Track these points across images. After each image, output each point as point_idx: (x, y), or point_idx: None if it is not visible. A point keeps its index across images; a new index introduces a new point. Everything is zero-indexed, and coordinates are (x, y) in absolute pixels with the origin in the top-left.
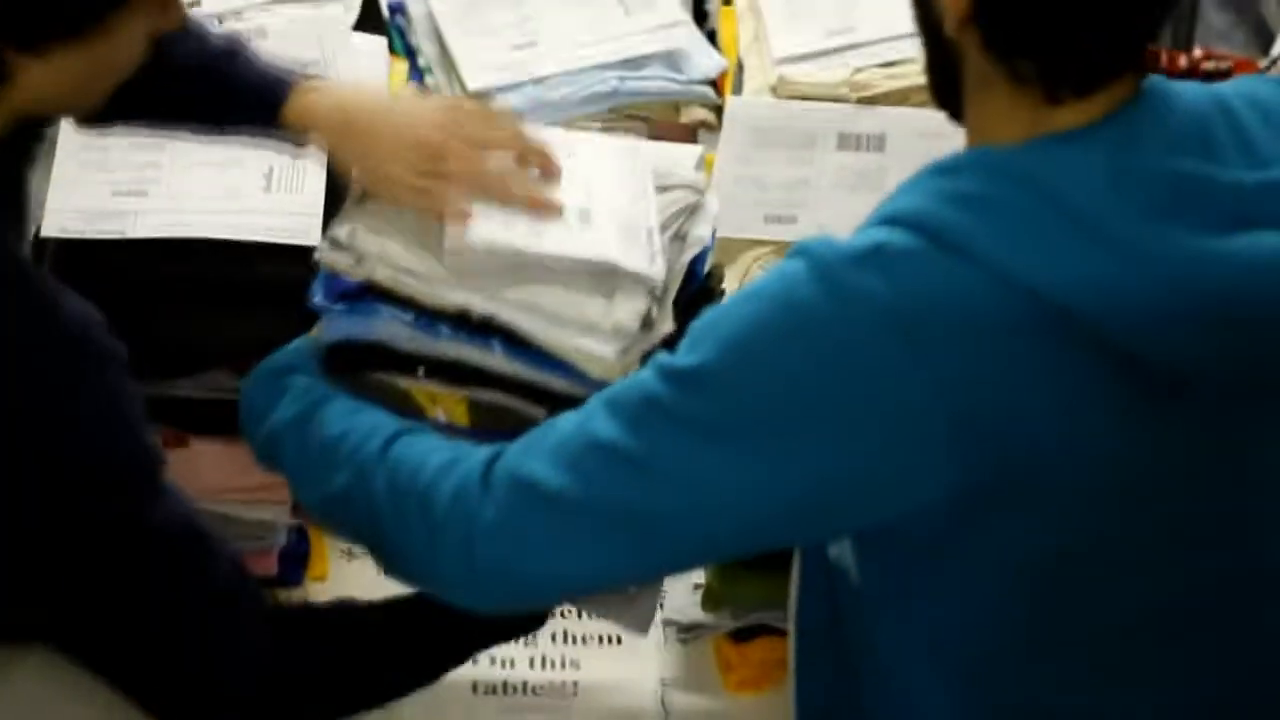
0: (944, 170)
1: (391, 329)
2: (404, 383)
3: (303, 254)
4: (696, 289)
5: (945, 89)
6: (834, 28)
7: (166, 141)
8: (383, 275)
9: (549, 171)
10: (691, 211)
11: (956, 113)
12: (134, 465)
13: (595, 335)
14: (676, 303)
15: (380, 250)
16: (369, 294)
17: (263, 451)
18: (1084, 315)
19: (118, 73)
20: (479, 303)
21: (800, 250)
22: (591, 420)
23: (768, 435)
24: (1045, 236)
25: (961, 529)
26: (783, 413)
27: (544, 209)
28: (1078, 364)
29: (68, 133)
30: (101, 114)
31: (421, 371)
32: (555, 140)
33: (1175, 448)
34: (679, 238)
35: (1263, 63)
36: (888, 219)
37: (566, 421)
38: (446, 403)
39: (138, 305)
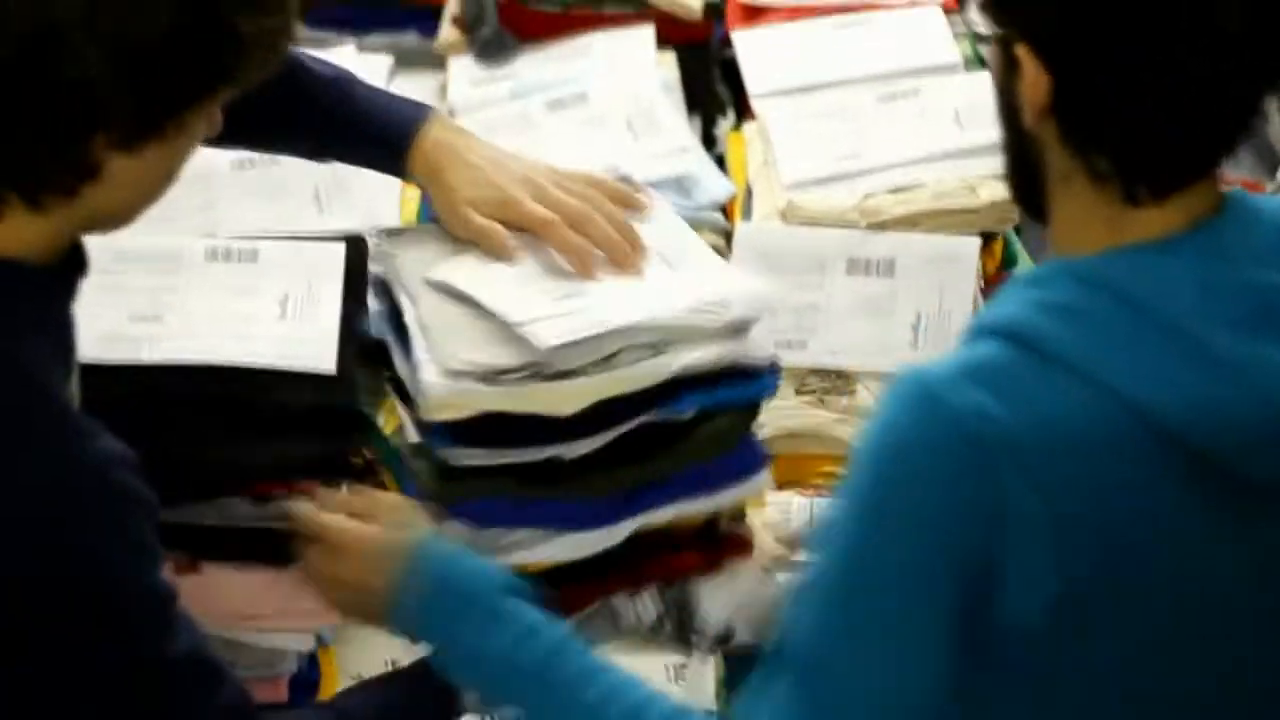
0: (1033, 281)
1: None
2: None
3: (317, 381)
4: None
5: (1025, 186)
6: (843, 153)
7: (182, 266)
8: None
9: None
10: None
11: (1037, 213)
12: (146, 608)
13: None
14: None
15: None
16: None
17: (468, 674)
18: (1178, 427)
19: (175, 177)
20: None
21: (902, 380)
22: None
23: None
24: (1138, 348)
25: (1057, 644)
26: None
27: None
28: (1171, 474)
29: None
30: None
31: None
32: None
33: (1264, 557)
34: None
35: (1269, 186)
36: (984, 330)
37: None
38: None
39: (150, 429)
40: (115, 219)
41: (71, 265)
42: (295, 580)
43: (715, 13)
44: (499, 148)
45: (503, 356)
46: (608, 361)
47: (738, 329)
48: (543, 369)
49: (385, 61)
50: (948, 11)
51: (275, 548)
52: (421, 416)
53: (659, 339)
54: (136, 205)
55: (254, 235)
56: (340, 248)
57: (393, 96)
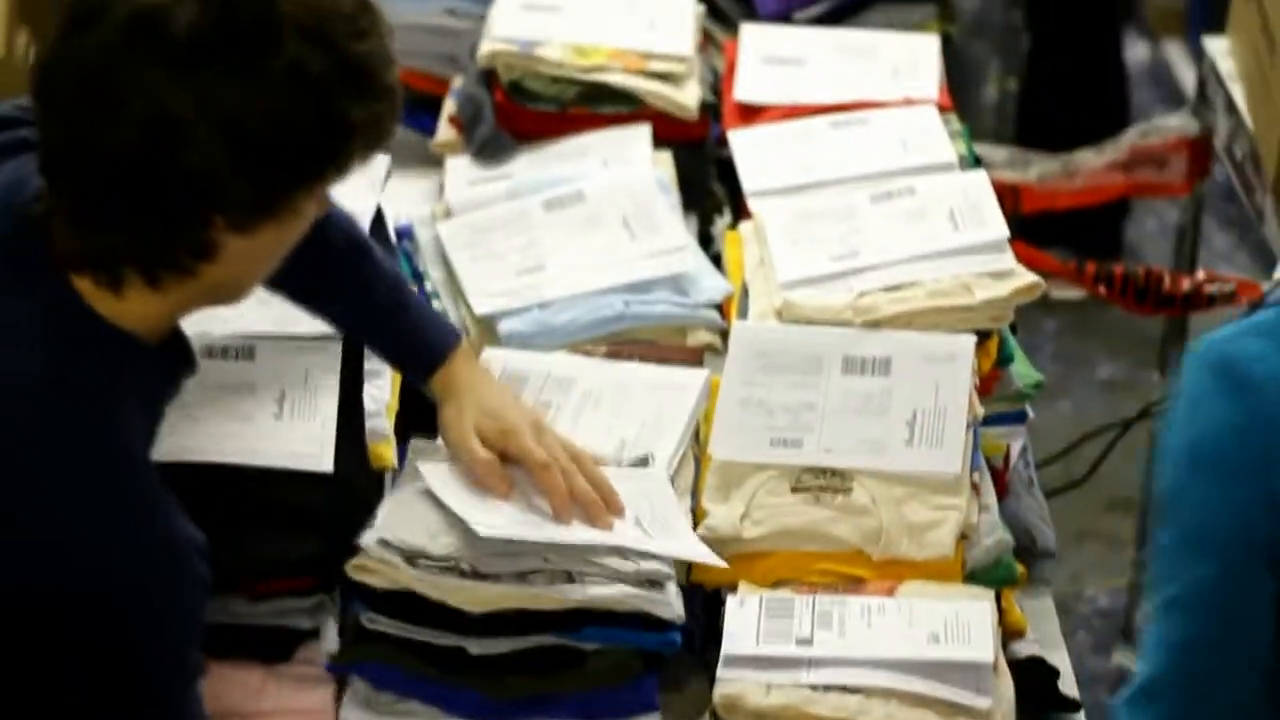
0: None
1: None
2: None
3: (314, 480)
4: None
5: None
6: (838, 252)
7: None
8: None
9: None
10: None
11: None
12: (181, 673)
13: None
14: None
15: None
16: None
17: None
18: None
19: (287, 252)
20: None
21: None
22: None
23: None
24: None
25: None
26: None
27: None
28: None
29: None
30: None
31: None
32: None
33: None
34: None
35: (1266, 285)
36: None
37: None
38: None
39: None
40: (229, 294)
41: (179, 357)
42: (292, 678)
43: (711, 112)
44: (511, 390)
45: (432, 545)
46: (523, 576)
47: (652, 581)
48: (462, 565)
49: (382, 160)
50: (942, 111)
51: (273, 646)
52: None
53: (577, 569)
54: (250, 281)
55: (251, 334)
56: (337, 347)
57: (433, 314)
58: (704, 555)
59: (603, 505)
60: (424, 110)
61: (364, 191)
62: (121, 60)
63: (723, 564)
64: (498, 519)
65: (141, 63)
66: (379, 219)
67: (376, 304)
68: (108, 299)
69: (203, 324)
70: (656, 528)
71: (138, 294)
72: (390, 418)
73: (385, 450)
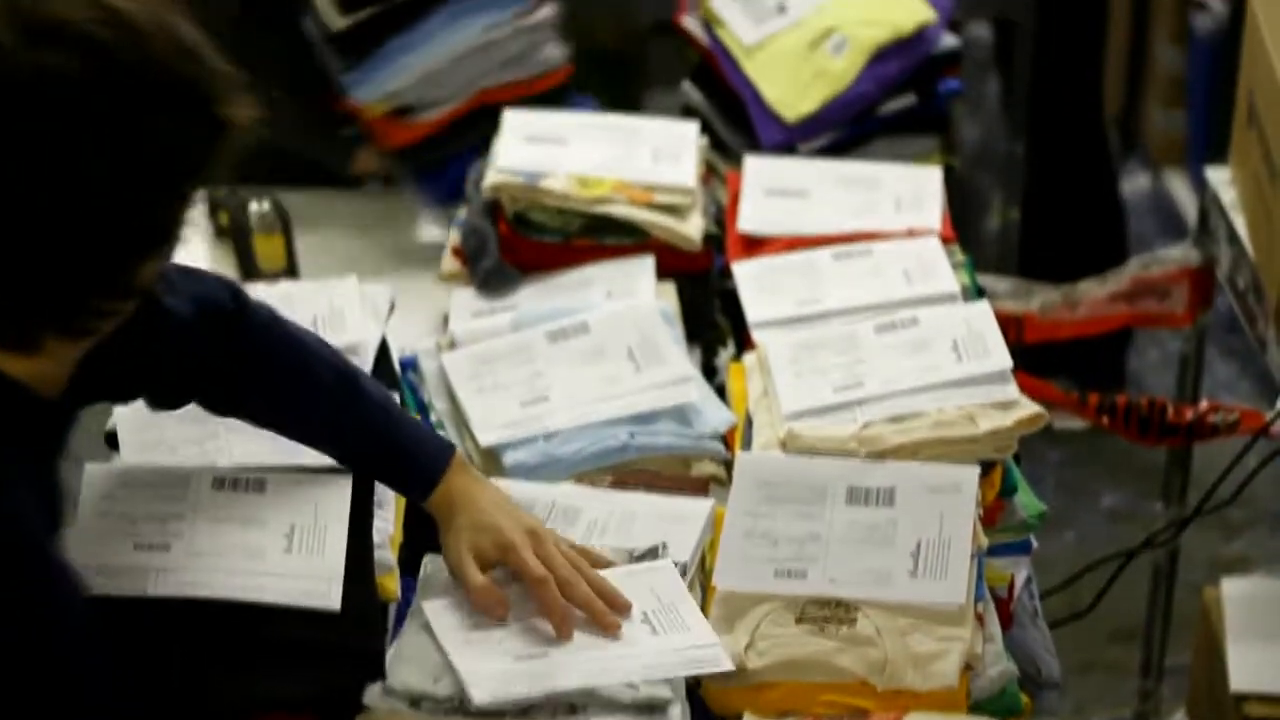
0: None
1: None
2: None
3: (321, 617)
4: None
5: None
6: (842, 383)
7: (189, 494)
8: None
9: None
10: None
11: None
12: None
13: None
14: None
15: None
16: None
17: None
18: None
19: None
20: None
21: None
22: None
23: None
24: None
25: None
26: None
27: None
28: None
29: (90, 483)
30: (230, 408)
31: None
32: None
33: None
34: None
35: (1269, 414)
36: None
37: None
38: None
39: (154, 661)
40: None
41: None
42: None
43: (715, 244)
44: (508, 497)
45: (435, 687)
46: (525, 712)
47: (653, 707)
48: (466, 706)
49: (385, 293)
50: (945, 242)
51: None
52: None
53: (581, 702)
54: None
55: (259, 466)
56: (346, 480)
57: (426, 433)
58: (712, 654)
59: (606, 611)
60: None
61: (369, 324)
62: None
63: (731, 666)
64: (494, 666)
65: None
66: (384, 350)
67: (369, 435)
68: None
69: (211, 455)
70: (666, 621)
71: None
72: (394, 550)
73: (389, 583)
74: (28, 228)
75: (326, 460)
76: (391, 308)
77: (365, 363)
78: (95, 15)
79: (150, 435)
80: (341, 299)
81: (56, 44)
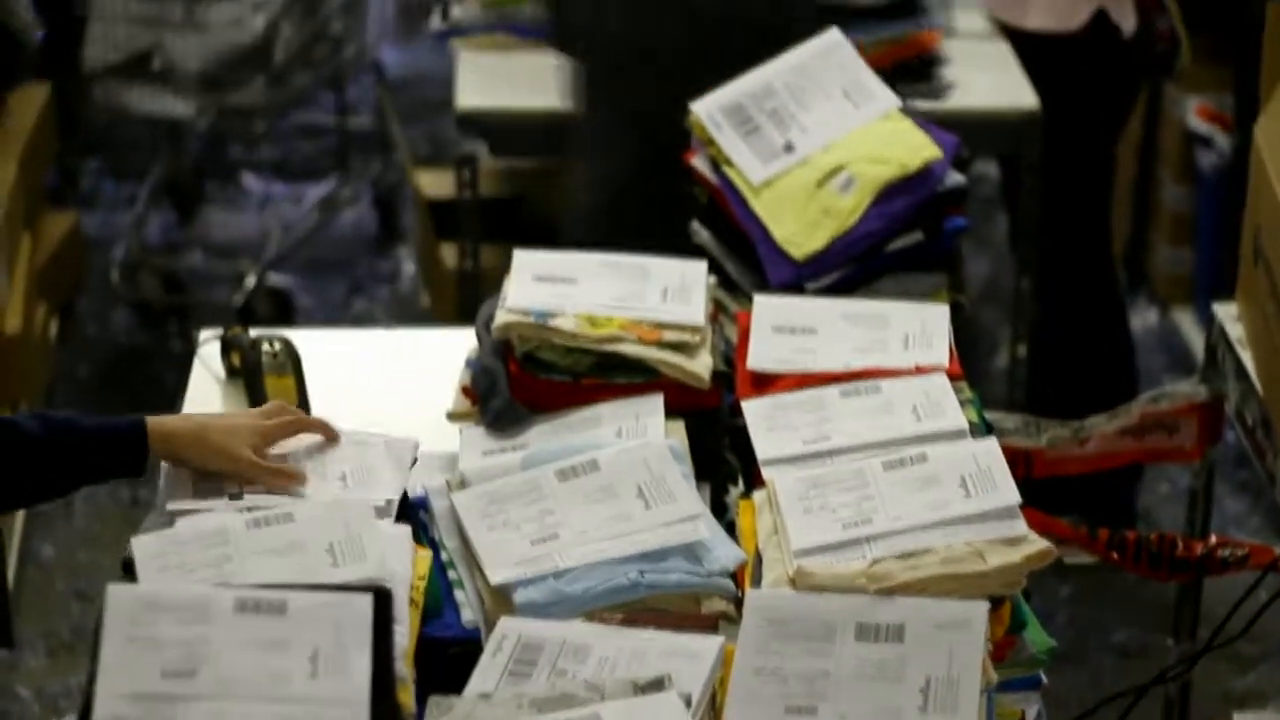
0: None
1: None
2: None
3: None
4: None
5: None
6: (851, 520)
7: (212, 617)
8: None
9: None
10: None
11: None
12: None
13: None
14: None
15: None
16: None
17: None
18: None
19: None
20: None
21: None
22: None
23: None
24: None
25: None
26: None
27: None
28: None
29: (114, 606)
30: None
31: None
32: None
33: None
34: None
35: (1279, 549)
36: None
37: None
38: None
39: None
40: None
41: None
42: None
43: (724, 381)
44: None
45: None
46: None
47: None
48: None
49: (410, 443)
50: (953, 379)
51: None
52: None
53: None
54: None
55: (278, 585)
56: (367, 600)
57: (107, 417)
58: None
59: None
60: None
61: (397, 479)
62: None
63: None
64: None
65: None
66: (403, 499)
67: (58, 448)
68: None
69: (227, 575)
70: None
71: None
72: (409, 663)
73: (405, 696)
74: None
75: (342, 577)
76: (414, 461)
77: (389, 513)
78: None
79: (169, 559)
80: (372, 456)
81: None
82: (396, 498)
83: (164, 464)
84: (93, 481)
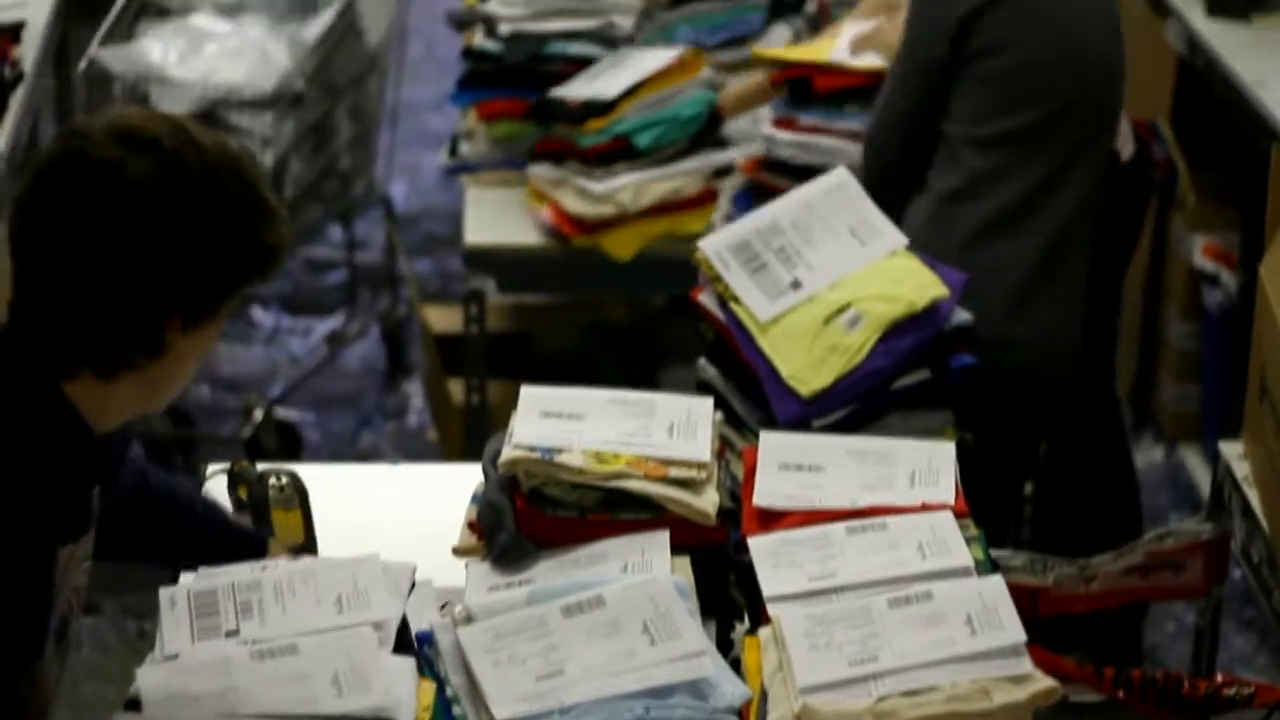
0: None
1: None
2: None
3: None
4: None
5: None
6: (857, 656)
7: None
8: None
9: None
10: None
11: None
12: None
13: None
14: None
15: None
16: None
17: None
18: None
19: (205, 356)
20: None
21: None
22: None
23: None
24: None
25: None
26: None
27: None
28: None
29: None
30: (116, 553)
31: None
32: None
33: None
34: None
35: None
36: None
37: None
38: None
39: None
40: (161, 393)
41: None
42: None
43: (730, 518)
44: None
45: None
46: None
47: None
48: None
49: (408, 569)
50: (959, 516)
51: None
52: None
53: None
54: (181, 380)
55: (282, 715)
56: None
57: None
58: None
59: None
60: None
61: (393, 602)
62: (87, 200)
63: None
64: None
65: (105, 201)
66: (404, 627)
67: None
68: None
69: (230, 704)
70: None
71: (87, 385)
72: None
73: None
74: (91, 276)
75: (346, 707)
76: (412, 585)
77: (388, 639)
78: (170, 130)
79: (174, 689)
80: (366, 578)
81: (135, 146)
82: (395, 619)
83: (163, 597)
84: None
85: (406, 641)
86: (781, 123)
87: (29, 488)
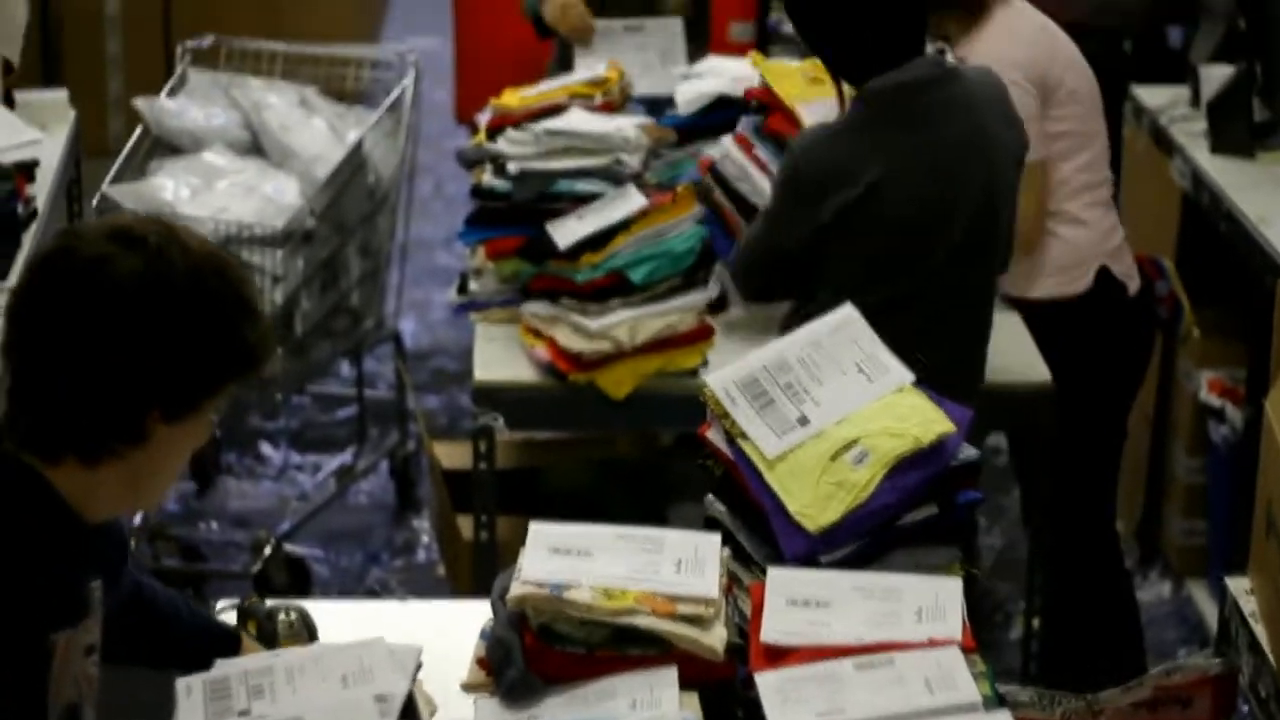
0: None
1: None
2: None
3: None
4: None
5: None
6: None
7: None
8: None
9: None
10: None
11: None
12: None
13: None
14: None
15: None
16: None
17: None
18: None
19: (190, 452)
20: None
21: None
22: None
23: None
24: None
25: None
26: None
27: None
28: None
29: None
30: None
31: None
32: None
33: None
34: None
35: None
36: None
37: None
38: None
39: None
40: (149, 487)
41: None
42: None
43: (738, 654)
44: None
45: None
46: None
47: None
48: None
49: (414, 651)
50: (966, 652)
51: None
52: None
53: None
54: (167, 476)
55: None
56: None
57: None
58: None
59: None
60: None
61: (397, 678)
62: (75, 291)
63: None
64: None
65: (91, 293)
66: (409, 706)
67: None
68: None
69: (258, 710)
70: None
71: (73, 472)
72: None
73: None
74: (76, 363)
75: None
76: (418, 667)
77: (391, 711)
78: (158, 230)
79: None
80: (372, 658)
81: (124, 243)
82: (399, 695)
83: (179, 687)
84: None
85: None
86: (741, 139)
87: (14, 571)
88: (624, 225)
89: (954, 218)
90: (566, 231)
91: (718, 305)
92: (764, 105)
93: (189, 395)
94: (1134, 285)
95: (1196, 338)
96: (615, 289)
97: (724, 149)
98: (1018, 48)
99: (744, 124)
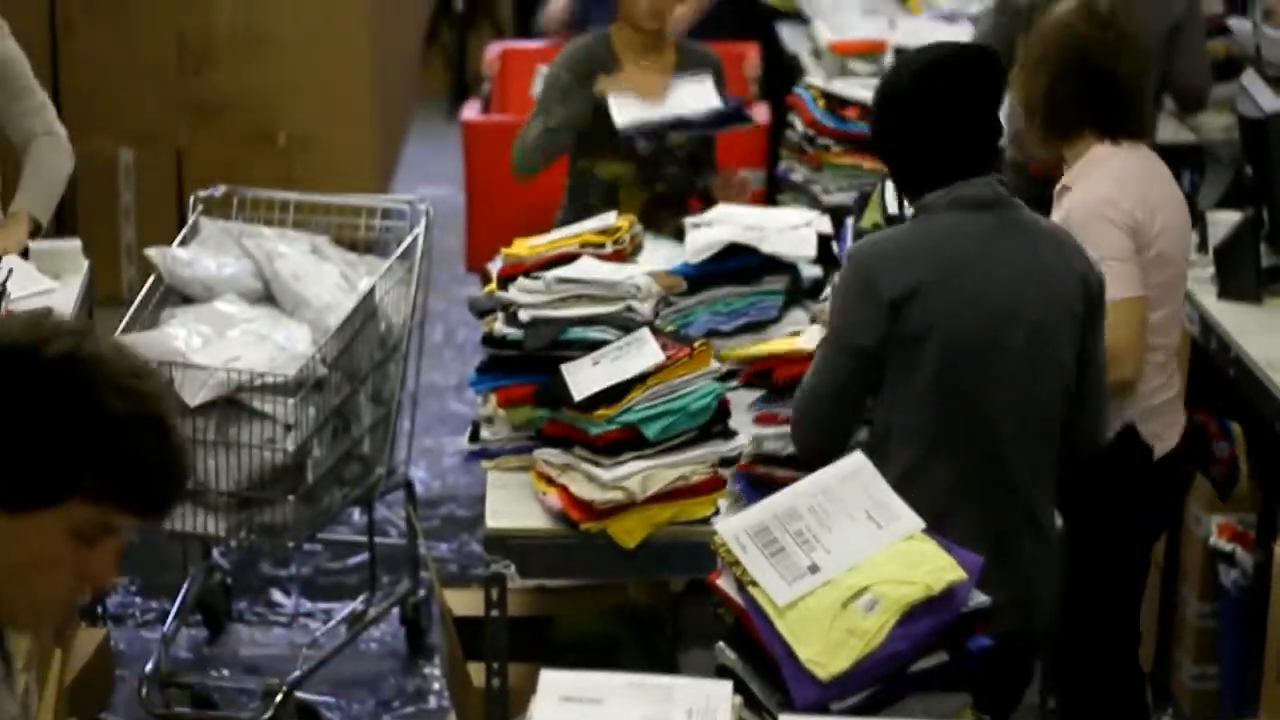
0: None
1: None
2: None
3: None
4: None
5: None
6: None
7: None
8: None
9: None
10: None
11: None
12: None
13: None
14: None
15: None
16: None
17: None
18: None
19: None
20: None
21: None
22: None
23: None
24: None
25: None
26: None
27: None
28: None
29: None
30: None
31: None
32: None
33: None
34: None
35: None
36: None
37: None
38: None
39: None
40: (13, 593)
41: None
42: None
43: None
44: None
45: None
46: None
47: None
48: None
49: None
50: None
51: None
52: None
53: None
54: (40, 581)
55: None
56: None
57: None
58: None
59: None
60: None
61: None
62: None
63: None
64: None
65: None
66: None
67: None
68: None
69: None
70: None
71: None
72: None
73: None
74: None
75: None
76: None
77: None
78: (71, 330)
79: None
80: None
81: (48, 339)
82: None
83: None
84: None
85: None
86: (763, 418)
87: None
88: (640, 379)
89: (1008, 330)
90: (582, 379)
91: None
92: (762, 374)
93: (25, 486)
94: (1162, 448)
95: (1249, 493)
96: (629, 443)
97: (755, 436)
98: (1124, 189)
99: (757, 405)
